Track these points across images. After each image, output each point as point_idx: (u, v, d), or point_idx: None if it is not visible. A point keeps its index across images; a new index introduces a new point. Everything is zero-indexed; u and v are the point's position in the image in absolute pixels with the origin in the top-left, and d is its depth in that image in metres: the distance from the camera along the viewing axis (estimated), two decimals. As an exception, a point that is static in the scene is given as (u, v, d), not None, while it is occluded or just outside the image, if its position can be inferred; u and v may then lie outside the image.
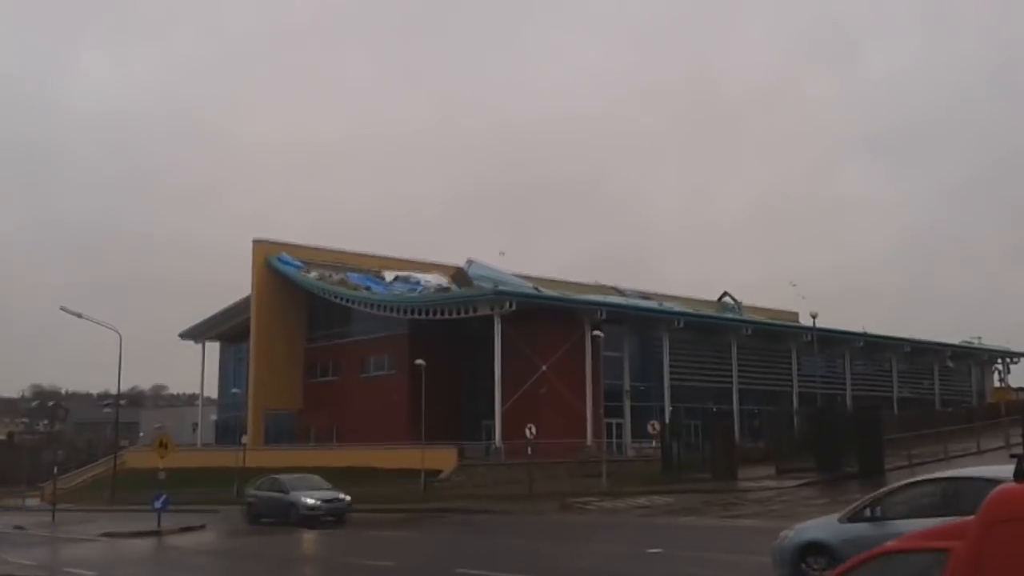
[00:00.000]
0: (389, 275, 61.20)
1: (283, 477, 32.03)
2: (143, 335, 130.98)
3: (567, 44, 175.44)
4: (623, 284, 71.50)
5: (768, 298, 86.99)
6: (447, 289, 57.55)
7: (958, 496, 11.07)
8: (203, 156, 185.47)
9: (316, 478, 32.23)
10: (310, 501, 29.06)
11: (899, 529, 10.53)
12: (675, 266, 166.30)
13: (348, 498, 30.10)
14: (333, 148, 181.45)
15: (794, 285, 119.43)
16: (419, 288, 57.85)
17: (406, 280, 59.89)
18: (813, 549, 12.19)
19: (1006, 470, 13.09)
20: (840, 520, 12.33)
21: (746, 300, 74.61)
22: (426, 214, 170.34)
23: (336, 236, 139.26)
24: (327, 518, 28.73)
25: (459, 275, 58.64)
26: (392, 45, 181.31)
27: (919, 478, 13.07)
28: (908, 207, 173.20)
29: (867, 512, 11.99)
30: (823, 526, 12.76)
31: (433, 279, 59.02)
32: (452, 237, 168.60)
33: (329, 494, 30.07)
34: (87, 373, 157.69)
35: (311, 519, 28.42)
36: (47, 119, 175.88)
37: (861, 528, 11.70)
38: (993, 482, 11.15)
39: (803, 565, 12.18)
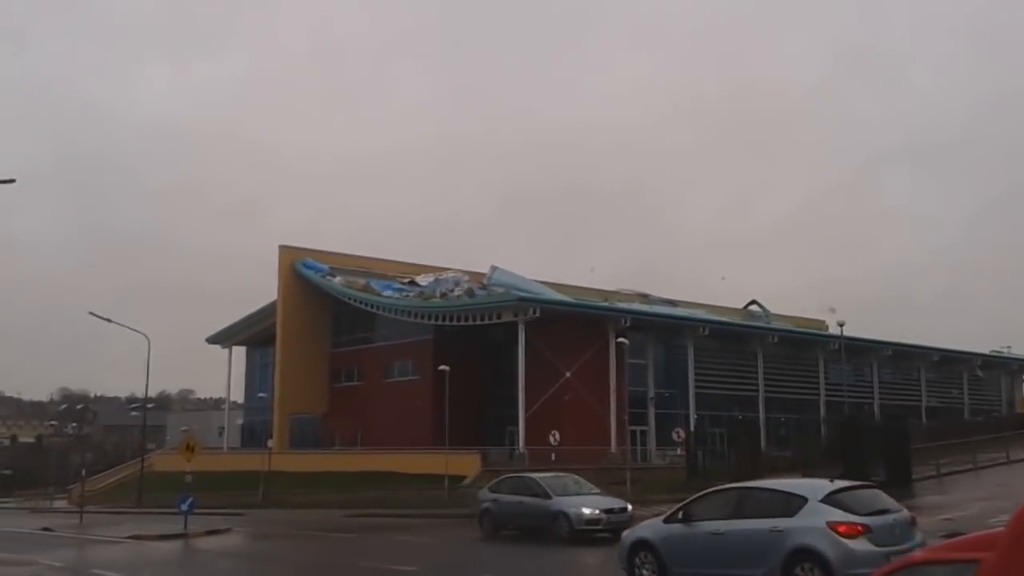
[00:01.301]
0: (421, 279, 61.57)
1: (538, 477, 24.64)
2: (174, 341, 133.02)
3: (610, 55, 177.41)
4: (650, 291, 71.30)
5: (801, 306, 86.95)
6: (457, 285, 57.74)
7: (746, 503, 13.18)
8: (251, 168, 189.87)
9: (577, 479, 25.28)
10: (587, 511, 22.13)
11: (703, 528, 13.18)
12: (712, 274, 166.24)
13: (629, 507, 23.15)
14: (378, 160, 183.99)
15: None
16: (439, 287, 58.13)
17: (427, 282, 60.13)
18: (641, 546, 14.02)
19: (791, 483, 14.26)
20: (663, 522, 14.10)
21: (779, 308, 74.34)
22: (468, 223, 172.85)
23: (378, 246, 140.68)
24: (603, 534, 21.48)
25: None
26: (438, 59, 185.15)
27: (717, 488, 15.01)
28: (945, 216, 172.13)
29: (679, 515, 13.76)
30: (649, 527, 14.41)
31: (453, 276, 59.39)
32: (493, 245, 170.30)
33: (607, 501, 23.26)
34: (117, 377, 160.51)
35: (585, 534, 21.66)
36: (105, 129, 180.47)
37: (674, 528, 13.63)
38: (776, 492, 13.08)
39: (636, 560, 14.01)
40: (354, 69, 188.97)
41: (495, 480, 26.29)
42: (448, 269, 62.94)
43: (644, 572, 13.84)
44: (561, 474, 26.15)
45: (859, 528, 11.65)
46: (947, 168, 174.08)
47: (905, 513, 12.54)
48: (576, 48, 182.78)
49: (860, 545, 11.52)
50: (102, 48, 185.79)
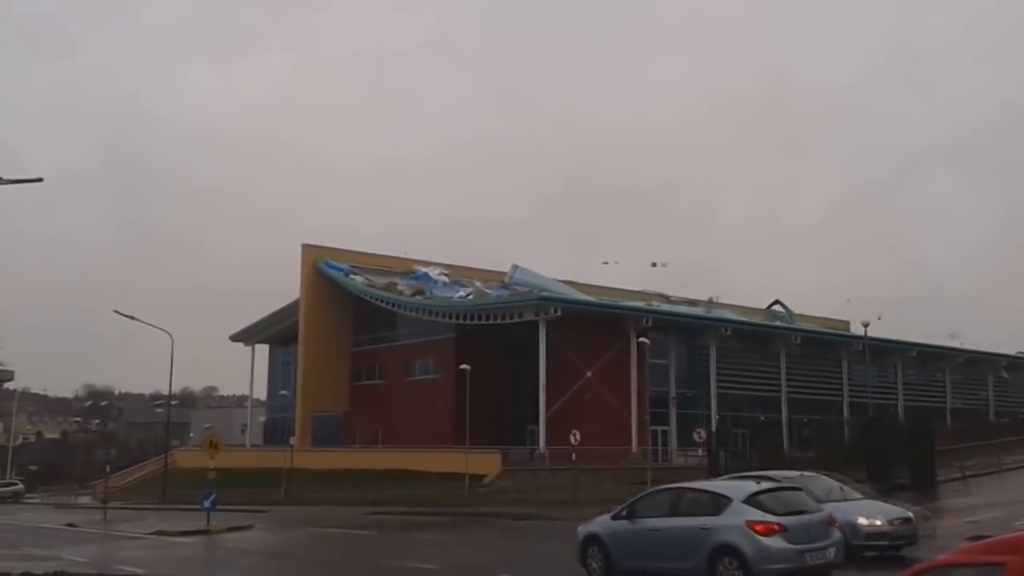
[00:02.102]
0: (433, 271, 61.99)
1: (788, 476, 17.86)
2: (200, 339, 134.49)
3: (646, 56, 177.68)
4: (682, 292, 71.04)
5: (828, 306, 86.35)
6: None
7: (681, 502, 14.39)
8: (288, 171, 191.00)
9: (839, 478, 19.37)
10: (865, 521, 16.53)
11: (644, 525, 14.35)
12: (744, 274, 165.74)
13: (912, 515, 17.35)
14: (415, 162, 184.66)
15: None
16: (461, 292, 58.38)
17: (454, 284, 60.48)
18: (592, 540, 15.21)
19: (720, 484, 15.08)
20: (611, 518, 15.25)
21: (810, 308, 73.96)
22: (503, 224, 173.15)
23: (411, 247, 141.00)
24: (889, 551, 16.37)
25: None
26: (476, 62, 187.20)
27: (655, 488, 16.55)
28: (977, 217, 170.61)
29: (624, 513, 15.03)
30: (599, 523, 15.51)
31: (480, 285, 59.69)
32: (526, 246, 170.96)
33: (887, 508, 17.65)
34: (144, 375, 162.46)
35: (863, 552, 15.95)
36: (146, 131, 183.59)
37: (620, 524, 14.85)
38: (706, 492, 14.50)
39: (587, 553, 15.19)
40: (393, 71, 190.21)
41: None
42: (430, 263, 63.35)
43: (594, 565, 15.03)
44: (814, 473, 19.96)
45: (774, 527, 12.73)
46: (980, 169, 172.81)
47: (822, 513, 13.66)
48: (612, 49, 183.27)
49: (775, 543, 12.59)
50: (145, 51, 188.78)
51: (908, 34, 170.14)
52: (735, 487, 14.27)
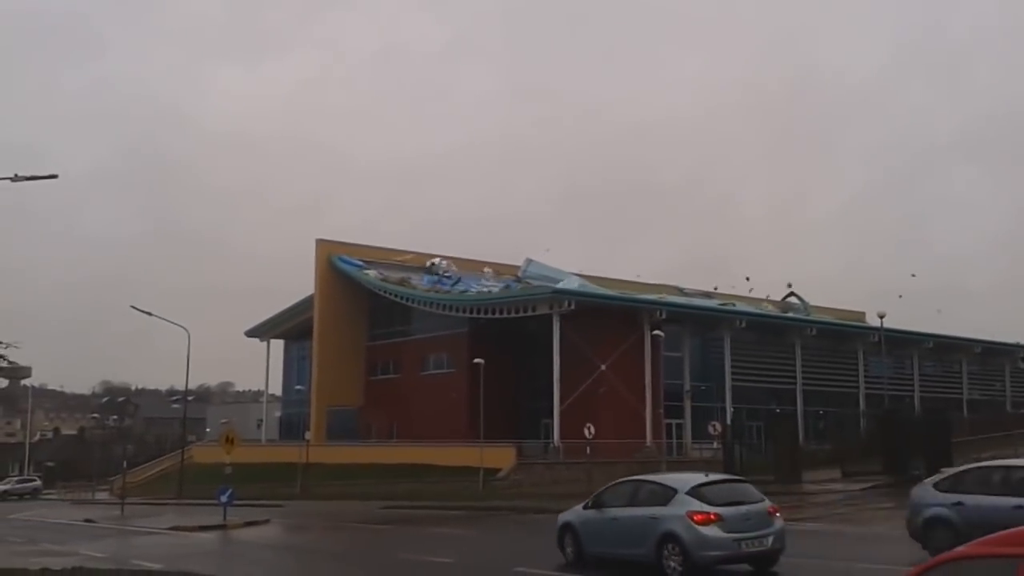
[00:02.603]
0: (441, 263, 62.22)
1: None
2: (217, 335, 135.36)
3: (665, 52, 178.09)
4: (705, 286, 70.85)
5: (846, 297, 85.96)
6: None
7: (638, 493, 15.51)
8: (312, 170, 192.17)
9: None
10: None
11: (607, 514, 15.61)
12: (765, 267, 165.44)
13: None
14: (438, 159, 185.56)
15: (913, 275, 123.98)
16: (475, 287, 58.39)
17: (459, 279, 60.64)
18: (566, 528, 16.60)
19: (670, 477, 16.08)
20: (582, 508, 16.49)
21: (825, 300, 73.58)
22: (526, 220, 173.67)
23: (434, 243, 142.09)
24: None
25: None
26: (499, 59, 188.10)
27: (619, 481, 17.21)
28: (999, 208, 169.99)
29: (591, 503, 16.32)
30: (573, 512, 16.78)
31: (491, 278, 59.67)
32: (549, 241, 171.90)
33: None
34: (160, 371, 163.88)
35: None
36: (172, 130, 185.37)
37: (591, 513, 16.08)
38: (657, 484, 15.58)
39: (564, 540, 16.58)
40: (417, 70, 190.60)
41: (947, 474, 16.48)
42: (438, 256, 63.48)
43: (568, 550, 16.46)
44: None
45: (711, 516, 13.80)
46: (999, 161, 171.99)
47: (763, 504, 14.51)
48: (633, 45, 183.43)
49: (711, 531, 13.69)
50: (172, 52, 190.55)
51: (929, 27, 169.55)
52: (683, 479, 15.26)
